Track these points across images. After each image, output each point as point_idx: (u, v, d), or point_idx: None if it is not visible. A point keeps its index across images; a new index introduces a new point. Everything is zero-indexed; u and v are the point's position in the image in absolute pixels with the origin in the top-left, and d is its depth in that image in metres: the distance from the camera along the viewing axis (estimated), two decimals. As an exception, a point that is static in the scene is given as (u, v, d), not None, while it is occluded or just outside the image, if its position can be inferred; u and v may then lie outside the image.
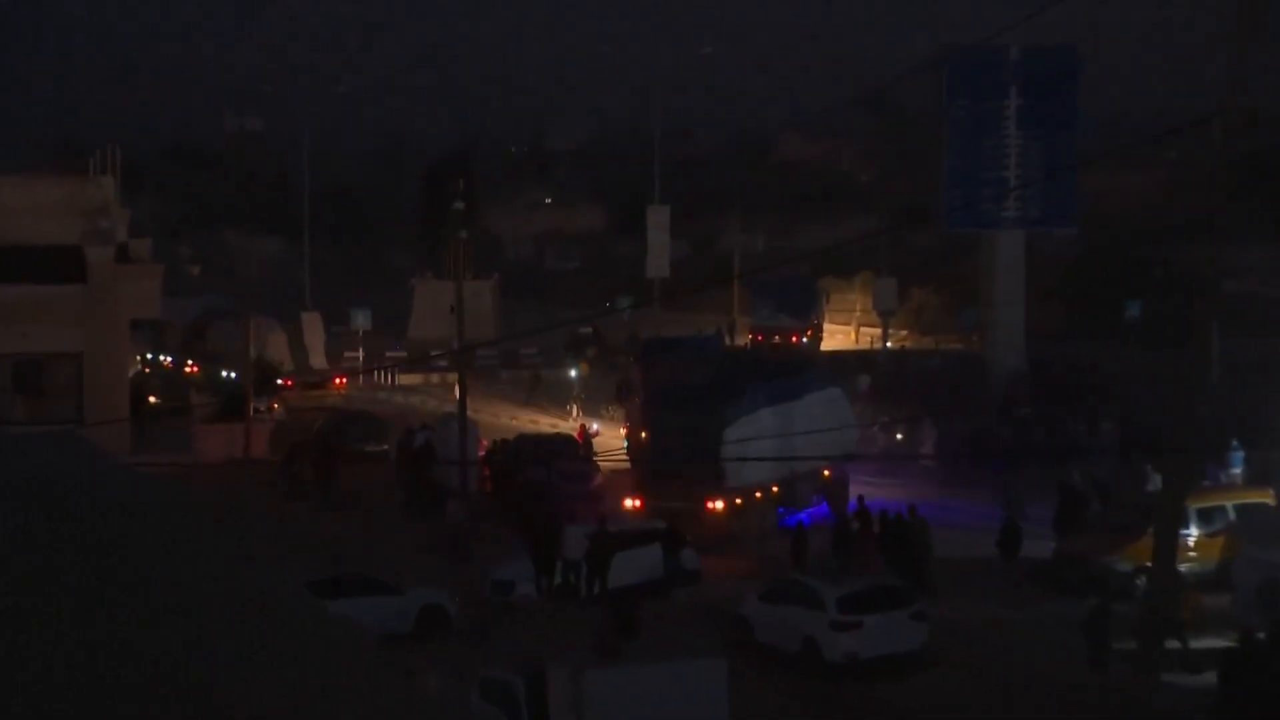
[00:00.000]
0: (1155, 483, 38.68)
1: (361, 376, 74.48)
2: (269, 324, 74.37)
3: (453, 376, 57.61)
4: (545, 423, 61.64)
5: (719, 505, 40.47)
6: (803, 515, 42.12)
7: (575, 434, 53.91)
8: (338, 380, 71.83)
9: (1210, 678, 26.28)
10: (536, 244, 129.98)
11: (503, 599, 33.44)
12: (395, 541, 39.63)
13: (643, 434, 51.29)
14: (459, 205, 48.86)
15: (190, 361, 75.20)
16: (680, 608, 32.97)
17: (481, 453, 46.74)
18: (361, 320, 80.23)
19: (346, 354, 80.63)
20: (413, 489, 43.88)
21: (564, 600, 33.52)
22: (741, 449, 40.16)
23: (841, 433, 44.45)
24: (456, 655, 28.01)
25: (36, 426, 39.18)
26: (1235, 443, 42.17)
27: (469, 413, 43.93)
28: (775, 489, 42.04)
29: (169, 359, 76.09)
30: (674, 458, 40.62)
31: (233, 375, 68.31)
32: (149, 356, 72.83)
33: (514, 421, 62.50)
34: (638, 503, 41.11)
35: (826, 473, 43.95)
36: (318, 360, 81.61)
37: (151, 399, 60.64)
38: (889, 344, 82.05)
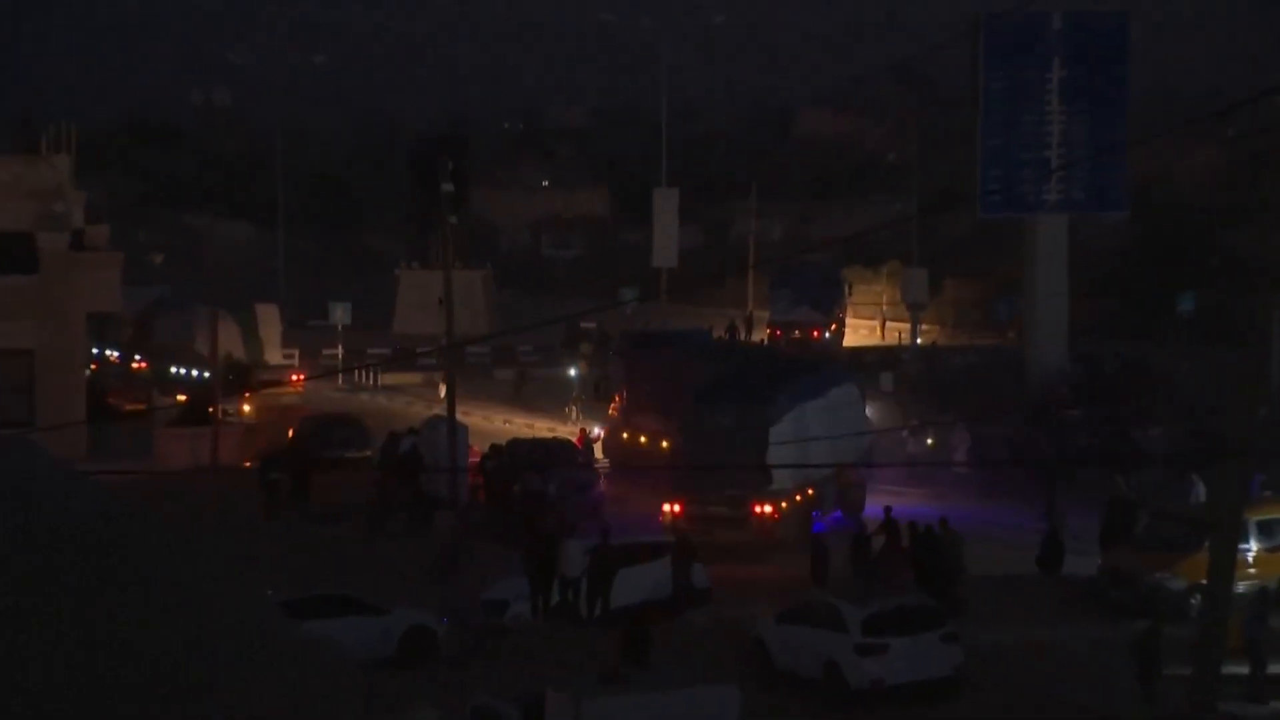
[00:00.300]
0: (1199, 493, 38.65)
1: (341, 376, 74.32)
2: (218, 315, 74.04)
3: (441, 375, 57.58)
4: (542, 426, 61.64)
5: (767, 509, 40.70)
6: (820, 524, 42.24)
7: (574, 439, 53.88)
8: (295, 378, 71.49)
9: (1276, 707, 26.24)
10: (533, 231, 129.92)
11: (496, 620, 33.39)
12: (379, 556, 39.58)
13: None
14: (448, 188, 48.85)
15: (137, 357, 74.80)
16: (691, 629, 32.94)
17: (473, 459, 46.70)
18: (341, 314, 79.92)
19: (325, 350, 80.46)
20: (389, 500, 43.57)
21: (562, 621, 33.47)
22: (786, 448, 40.52)
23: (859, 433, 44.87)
24: (445, 682, 28.01)
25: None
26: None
27: (459, 415, 43.88)
28: (810, 491, 42.35)
29: (116, 354, 75.68)
30: (714, 459, 40.71)
31: (183, 371, 68.14)
32: (94, 352, 72.61)
33: (508, 425, 62.53)
34: (677, 508, 41.23)
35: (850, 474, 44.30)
36: (273, 355, 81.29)
37: (110, 400, 60.55)
38: (918, 339, 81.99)
